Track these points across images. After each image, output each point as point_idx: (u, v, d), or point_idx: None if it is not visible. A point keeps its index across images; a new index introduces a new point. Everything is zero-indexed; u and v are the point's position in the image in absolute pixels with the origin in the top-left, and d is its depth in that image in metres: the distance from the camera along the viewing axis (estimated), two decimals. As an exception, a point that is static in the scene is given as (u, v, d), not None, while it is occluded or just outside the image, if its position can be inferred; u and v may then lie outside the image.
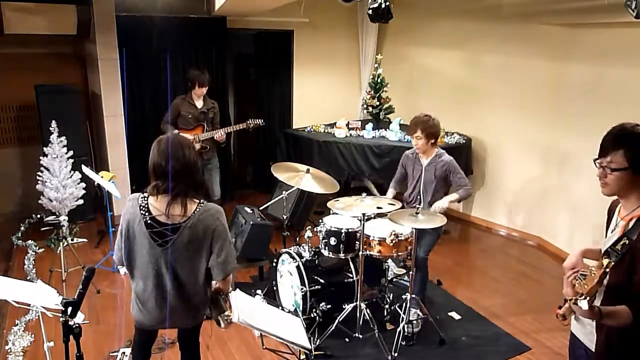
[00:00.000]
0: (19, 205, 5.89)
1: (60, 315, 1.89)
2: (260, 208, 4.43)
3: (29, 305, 2.48)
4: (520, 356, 3.49)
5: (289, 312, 3.63)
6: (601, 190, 1.83)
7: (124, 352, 3.23)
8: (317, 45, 6.70)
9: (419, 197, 3.74)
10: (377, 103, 6.18)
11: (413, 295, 3.55)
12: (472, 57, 5.90)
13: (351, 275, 3.66)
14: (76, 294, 1.92)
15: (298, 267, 3.57)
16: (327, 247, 3.62)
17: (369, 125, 5.86)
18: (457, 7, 5.86)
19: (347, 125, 5.90)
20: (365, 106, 6.41)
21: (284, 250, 3.79)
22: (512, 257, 5.22)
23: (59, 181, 4.49)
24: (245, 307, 2.25)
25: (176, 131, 4.94)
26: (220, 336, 3.61)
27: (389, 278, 3.95)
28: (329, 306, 3.58)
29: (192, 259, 2.24)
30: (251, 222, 4.01)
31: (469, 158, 5.77)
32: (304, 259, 3.63)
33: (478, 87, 5.85)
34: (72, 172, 4.59)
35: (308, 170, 3.96)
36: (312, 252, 3.72)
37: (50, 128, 4.43)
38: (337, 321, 3.51)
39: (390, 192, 3.88)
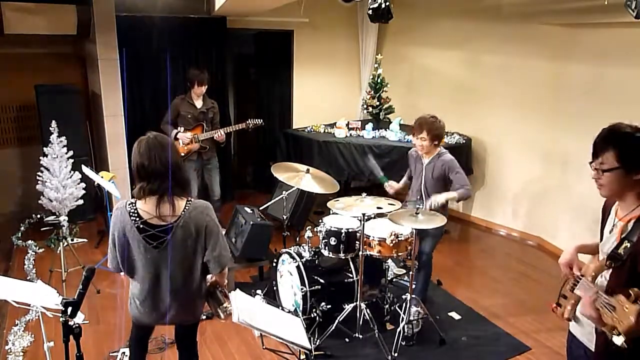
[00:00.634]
0: (19, 205, 5.89)
1: (60, 315, 1.89)
2: (260, 208, 4.43)
3: (29, 305, 2.48)
4: (520, 356, 3.49)
5: (289, 312, 3.63)
6: (599, 192, 1.84)
7: (124, 352, 3.23)
8: (317, 45, 6.70)
9: (420, 196, 3.74)
10: (377, 103, 6.18)
11: (414, 295, 3.55)
12: (472, 57, 5.90)
13: (351, 275, 3.66)
14: (76, 294, 1.92)
15: (298, 267, 3.57)
16: (327, 247, 3.62)
17: (369, 125, 5.86)
18: (457, 7, 5.86)
19: (347, 125, 5.90)
20: (365, 106, 6.41)
21: (284, 250, 3.79)
22: (512, 257, 5.22)
23: (59, 181, 4.48)
24: (245, 307, 2.25)
25: (176, 130, 4.94)
26: (220, 336, 3.62)
27: (389, 278, 3.95)
28: (329, 306, 3.58)
29: (188, 257, 2.27)
30: (251, 222, 4.01)
31: (469, 158, 5.78)
32: (304, 259, 3.63)
33: (478, 87, 5.85)
34: (72, 172, 4.59)
35: (308, 170, 3.96)
36: (312, 252, 3.72)
37: (50, 128, 4.43)
38: (337, 321, 3.51)
39: (403, 180, 3.94)
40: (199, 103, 5.04)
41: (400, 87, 6.54)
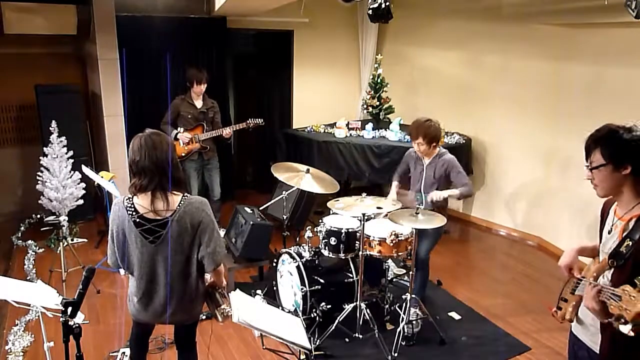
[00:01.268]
0: (19, 205, 5.89)
1: (60, 315, 1.89)
2: (260, 208, 4.43)
3: (29, 305, 2.49)
4: (520, 356, 3.49)
5: (289, 312, 3.63)
6: (596, 193, 1.88)
7: (124, 352, 3.23)
8: (317, 45, 6.70)
9: (420, 196, 3.74)
10: (377, 103, 6.18)
11: (413, 295, 3.55)
12: (472, 57, 5.90)
13: (351, 275, 3.66)
14: (76, 294, 1.92)
15: (298, 267, 3.57)
16: (327, 247, 3.62)
17: (369, 126, 5.86)
18: (457, 7, 5.86)
19: (347, 125, 5.90)
20: (365, 106, 6.41)
21: (284, 250, 3.79)
22: (512, 257, 5.22)
23: (59, 181, 4.48)
24: (245, 307, 2.25)
25: (176, 130, 4.94)
26: (220, 336, 3.62)
27: (389, 278, 3.95)
28: (329, 306, 3.58)
29: (183, 252, 2.28)
30: (251, 222, 4.01)
31: (469, 158, 5.78)
32: (304, 259, 3.62)
33: (478, 87, 5.85)
34: (72, 172, 4.59)
35: (308, 170, 3.96)
36: (312, 252, 3.72)
37: (50, 128, 4.43)
38: (337, 321, 3.51)
39: (395, 184, 3.91)
40: (199, 103, 5.04)
41: (400, 87, 6.54)
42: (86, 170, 4.46)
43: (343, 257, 3.62)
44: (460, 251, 5.36)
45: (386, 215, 3.39)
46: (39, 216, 5.71)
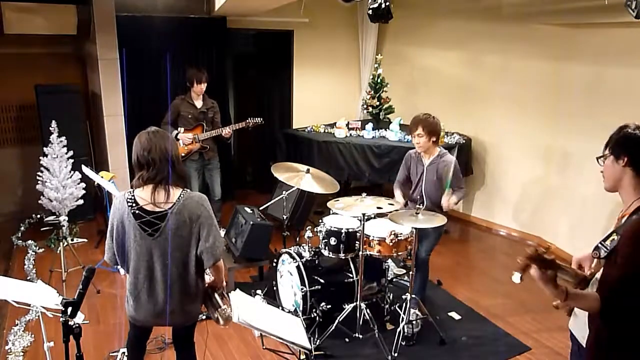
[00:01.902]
0: (19, 205, 5.89)
1: (60, 315, 1.89)
2: (260, 208, 4.43)
3: (29, 305, 2.49)
4: (520, 356, 3.49)
5: (289, 312, 3.63)
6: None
7: (124, 352, 3.23)
8: (317, 45, 6.70)
9: (420, 196, 3.74)
10: (377, 103, 6.18)
11: (413, 296, 3.55)
12: (472, 57, 5.90)
13: (351, 275, 3.66)
14: (76, 294, 1.92)
15: (298, 267, 3.57)
16: (327, 247, 3.62)
17: (369, 125, 5.86)
18: (457, 7, 5.86)
19: (347, 125, 5.90)
20: (365, 106, 6.41)
21: (284, 250, 3.79)
22: (512, 257, 5.19)
23: (59, 181, 4.48)
24: (245, 307, 2.25)
25: (177, 130, 4.94)
26: (219, 336, 3.62)
27: (389, 278, 3.95)
28: (329, 306, 3.58)
29: (182, 247, 2.28)
30: (251, 222, 4.01)
31: (469, 158, 5.78)
32: (304, 259, 3.62)
33: (478, 87, 5.85)
34: (72, 172, 4.59)
35: (308, 170, 3.96)
36: (312, 252, 3.72)
37: (50, 128, 4.43)
38: (337, 321, 3.51)
39: (398, 192, 3.88)
40: (199, 103, 5.04)
41: (400, 87, 6.54)
42: (86, 170, 4.46)
43: (343, 257, 3.62)
44: (460, 251, 5.36)
45: (387, 216, 3.39)
46: (39, 216, 5.71)
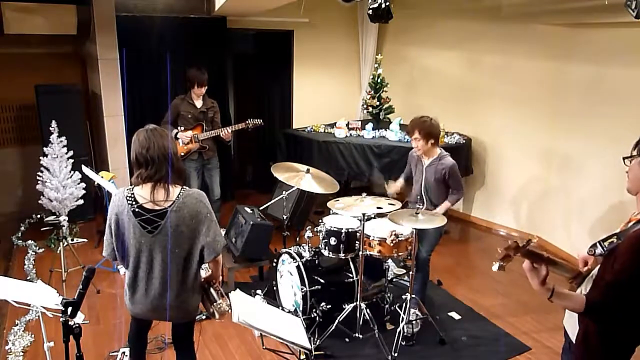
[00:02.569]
0: (19, 205, 5.89)
1: (60, 315, 1.89)
2: (260, 208, 4.43)
3: (29, 305, 2.49)
4: (520, 356, 3.49)
5: (289, 312, 3.63)
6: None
7: (124, 352, 3.23)
8: (317, 45, 6.70)
9: (420, 197, 3.74)
10: (377, 103, 6.18)
11: (413, 296, 3.55)
12: (472, 57, 5.90)
13: (351, 275, 3.66)
14: (76, 294, 1.92)
15: (298, 267, 3.57)
16: (327, 247, 3.62)
17: (369, 125, 5.86)
18: (457, 7, 5.86)
19: (347, 125, 5.90)
20: (365, 106, 6.41)
21: (284, 250, 3.79)
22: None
23: (59, 181, 4.48)
24: (245, 307, 2.25)
25: (176, 130, 4.94)
26: (220, 336, 3.62)
27: (389, 278, 3.95)
28: (329, 306, 3.58)
29: (181, 244, 2.29)
30: (251, 222, 4.01)
31: (469, 158, 5.77)
32: (304, 259, 3.63)
33: (478, 87, 5.85)
34: (72, 172, 4.59)
35: (308, 170, 3.96)
36: (312, 252, 3.72)
37: (50, 128, 4.43)
38: (337, 321, 3.51)
39: (400, 180, 3.92)
40: (199, 103, 5.04)
41: (400, 87, 6.54)
42: (86, 170, 4.46)
43: (343, 257, 3.62)
44: (460, 251, 5.36)
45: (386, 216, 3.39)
46: (39, 216, 5.71)
